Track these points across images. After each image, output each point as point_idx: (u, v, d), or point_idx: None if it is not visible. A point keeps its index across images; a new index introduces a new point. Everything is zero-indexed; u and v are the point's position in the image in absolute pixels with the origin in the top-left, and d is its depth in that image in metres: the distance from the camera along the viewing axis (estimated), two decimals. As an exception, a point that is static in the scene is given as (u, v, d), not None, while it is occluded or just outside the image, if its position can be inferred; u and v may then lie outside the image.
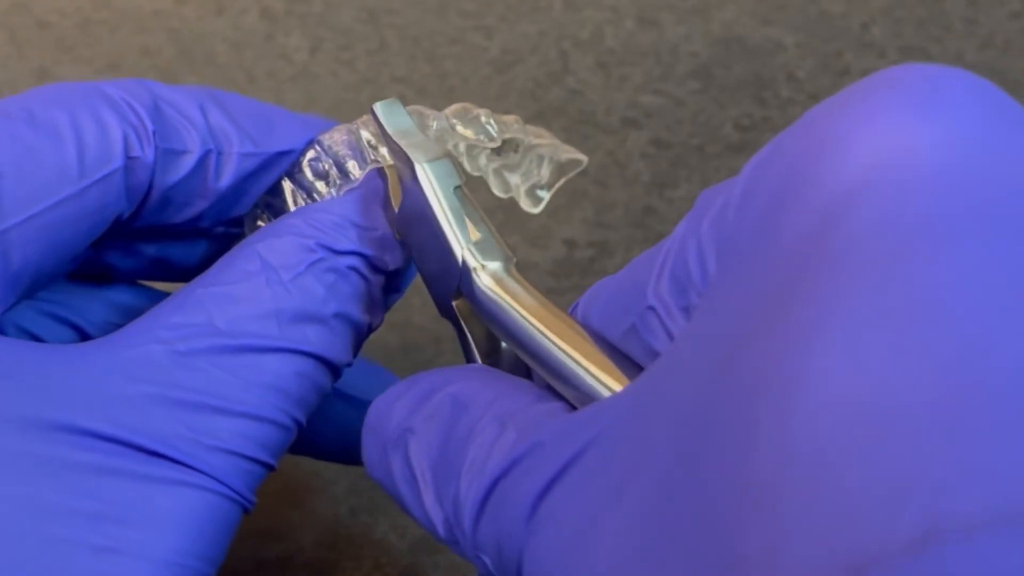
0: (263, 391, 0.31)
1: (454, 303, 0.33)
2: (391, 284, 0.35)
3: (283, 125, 0.35)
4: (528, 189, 0.37)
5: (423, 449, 0.30)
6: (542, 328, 0.30)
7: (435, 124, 0.35)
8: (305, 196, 0.35)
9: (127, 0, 0.55)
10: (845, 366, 0.21)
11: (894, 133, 0.23)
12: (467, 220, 0.32)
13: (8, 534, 0.28)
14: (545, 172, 0.36)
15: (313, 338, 0.32)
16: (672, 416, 0.24)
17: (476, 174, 0.36)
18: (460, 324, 0.33)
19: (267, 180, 0.35)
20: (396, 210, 0.34)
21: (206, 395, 0.31)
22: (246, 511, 0.32)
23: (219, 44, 0.55)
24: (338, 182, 0.35)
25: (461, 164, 0.35)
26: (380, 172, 0.35)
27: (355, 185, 0.35)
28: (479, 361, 0.33)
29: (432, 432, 0.30)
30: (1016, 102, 0.24)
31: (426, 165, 0.33)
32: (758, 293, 0.23)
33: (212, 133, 0.34)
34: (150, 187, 0.34)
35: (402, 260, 0.34)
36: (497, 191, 0.37)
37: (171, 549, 0.29)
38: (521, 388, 0.30)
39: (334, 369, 0.33)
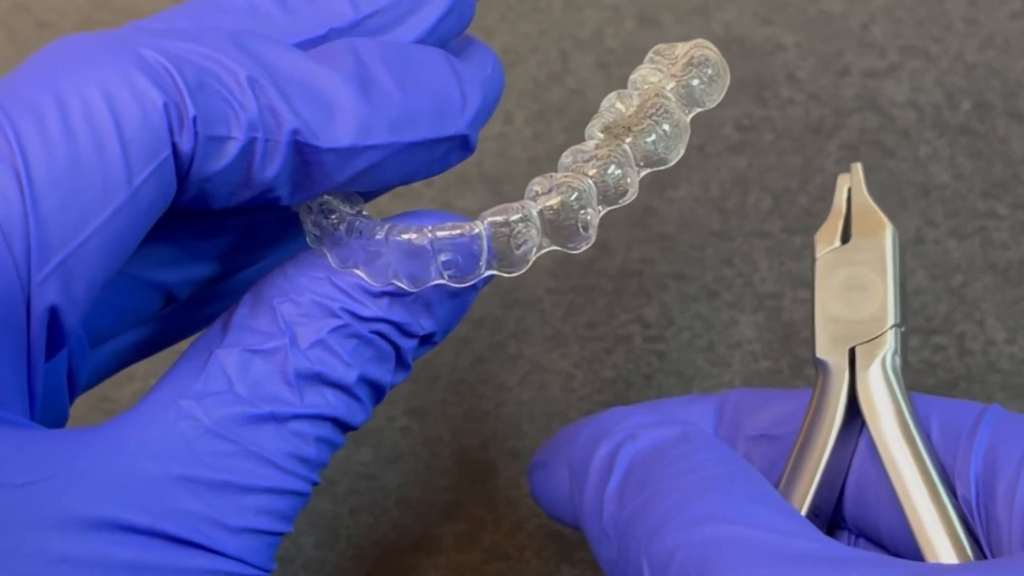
0: (286, 461, 0.31)
1: None
2: (425, 338, 0.33)
3: (344, 112, 0.31)
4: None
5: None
6: None
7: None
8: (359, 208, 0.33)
9: (127, 0, 0.55)
10: None
11: None
12: None
13: None
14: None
15: (334, 401, 0.32)
16: None
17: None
18: None
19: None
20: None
21: (232, 473, 0.30)
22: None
23: (219, 44, 0.55)
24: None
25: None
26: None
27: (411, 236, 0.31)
28: None
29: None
30: None
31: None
32: None
33: (261, 114, 0.30)
34: (187, 176, 0.30)
35: (440, 322, 0.33)
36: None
37: None
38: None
39: (352, 428, 0.33)
